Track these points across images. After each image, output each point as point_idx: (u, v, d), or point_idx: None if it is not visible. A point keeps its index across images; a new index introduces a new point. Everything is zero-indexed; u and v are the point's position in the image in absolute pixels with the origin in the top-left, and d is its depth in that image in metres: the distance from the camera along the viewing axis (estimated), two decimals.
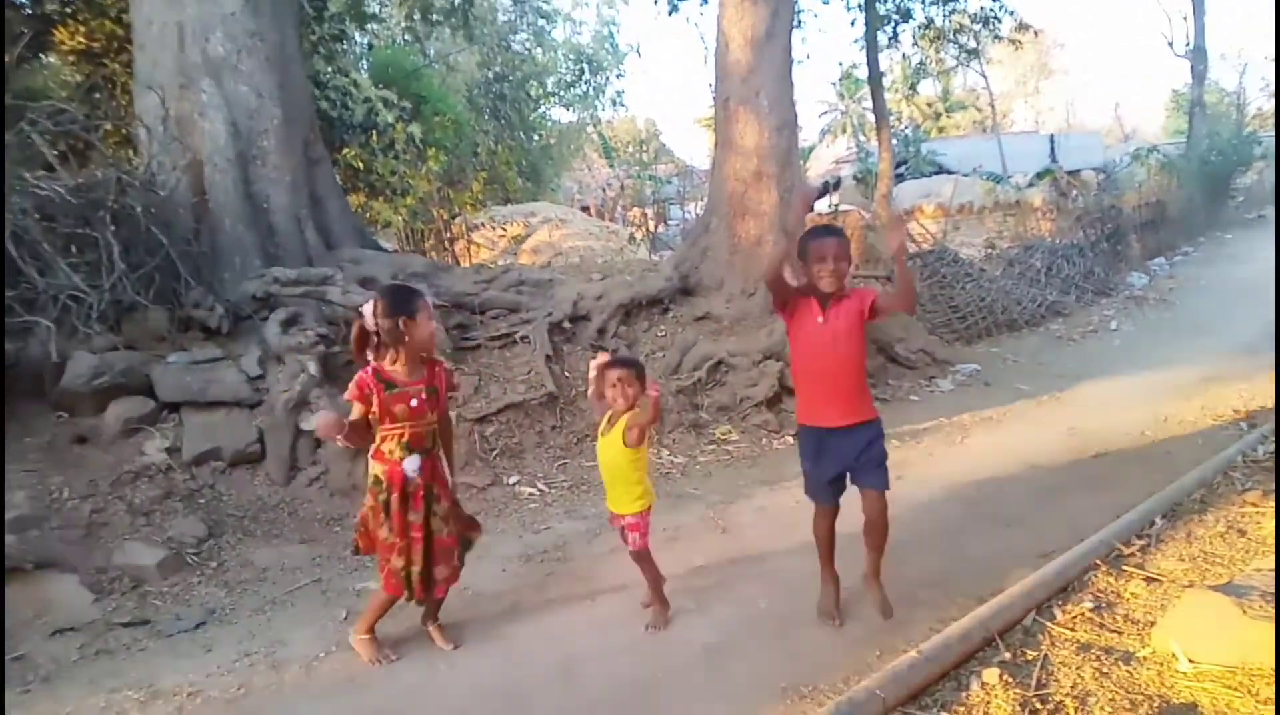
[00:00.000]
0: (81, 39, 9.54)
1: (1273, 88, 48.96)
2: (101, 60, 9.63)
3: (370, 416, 3.33)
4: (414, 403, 3.33)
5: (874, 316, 3.43)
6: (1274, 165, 20.64)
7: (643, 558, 3.69)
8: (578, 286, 8.10)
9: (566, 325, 7.58)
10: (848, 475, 3.60)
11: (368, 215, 12.35)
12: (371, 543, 3.50)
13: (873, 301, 3.41)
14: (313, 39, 11.13)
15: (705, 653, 3.42)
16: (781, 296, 3.49)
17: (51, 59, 10.45)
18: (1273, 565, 3.20)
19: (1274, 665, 2.68)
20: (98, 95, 9.33)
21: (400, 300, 3.35)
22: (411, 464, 3.34)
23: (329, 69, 11.89)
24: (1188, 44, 26.65)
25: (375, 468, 3.38)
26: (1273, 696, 2.56)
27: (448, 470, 3.59)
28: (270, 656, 3.65)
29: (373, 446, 3.41)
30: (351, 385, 3.33)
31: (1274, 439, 5.31)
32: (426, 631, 3.68)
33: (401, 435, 3.33)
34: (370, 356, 3.40)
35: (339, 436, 3.20)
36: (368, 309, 3.35)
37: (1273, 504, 4.25)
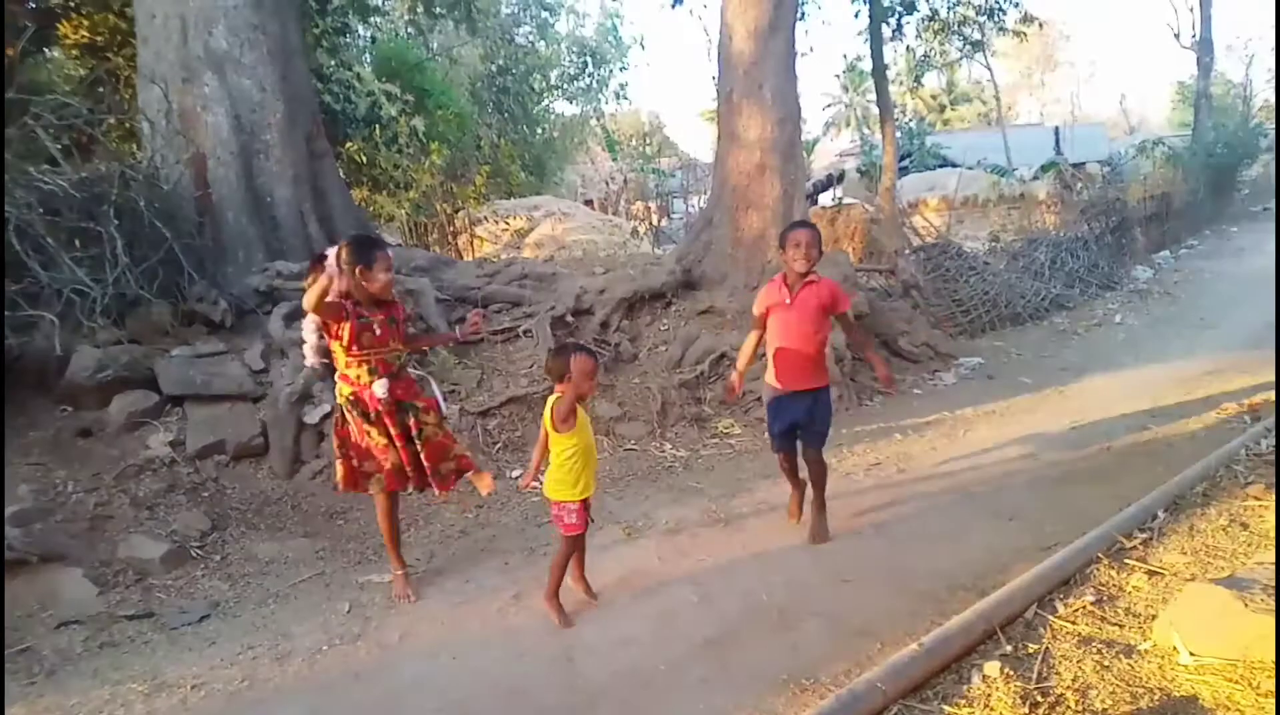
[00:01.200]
0: (85, 33, 9.54)
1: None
2: (105, 54, 9.63)
3: (339, 339, 3.75)
4: (377, 331, 3.78)
5: (837, 312, 4.31)
6: (1275, 160, 20.53)
7: (569, 541, 3.73)
8: (581, 280, 8.11)
9: (569, 319, 7.59)
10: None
11: (371, 209, 12.33)
12: (353, 472, 3.95)
13: (840, 308, 4.29)
14: (315, 32, 11.12)
15: (706, 645, 3.42)
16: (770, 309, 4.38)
17: (55, 53, 10.46)
18: (1274, 559, 3.20)
19: (1275, 658, 2.68)
20: (101, 89, 9.34)
21: (360, 250, 3.72)
22: (380, 387, 3.78)
23: (332, 62, 11.88)
24: (1194, 35, 26.50)
25: (344, 388, 3.85)
26: (1273, 690, 2.56)
27: (437, 391, 4.20)
28: (274, 649, 3.66)
29: (338, 372, 3.88)
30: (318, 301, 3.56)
31: (1275, 433, 5.30)
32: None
33: (368, 361, 3.79)
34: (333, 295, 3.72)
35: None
36: (332, 252, 3.75)
37: (1274, 498, 4.25)
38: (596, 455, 3.79)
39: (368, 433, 3.88)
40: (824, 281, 4.26)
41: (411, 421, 3.93)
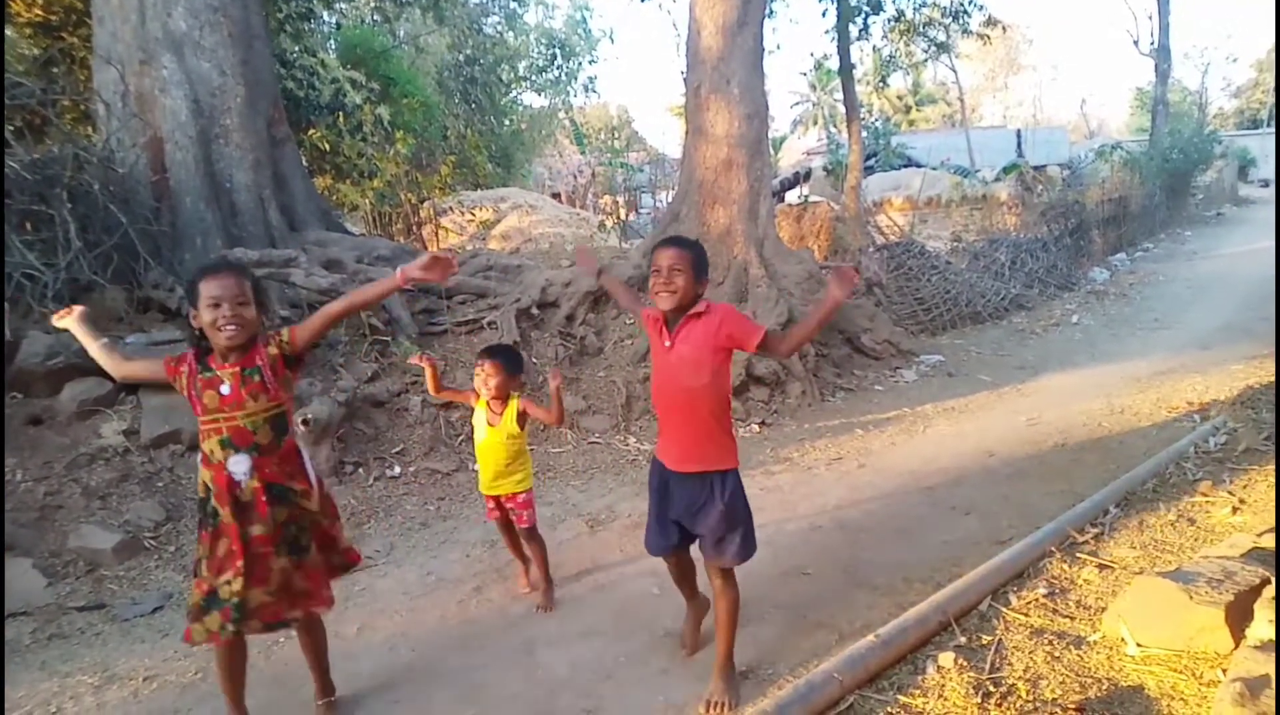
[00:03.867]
0: (39, 11, 9.28)
1: (1233, 88, 49.96)
2: (59, 33, 9.37)
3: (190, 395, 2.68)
4: (224, 390, 2.64)
5: (750, 350, 2.82)
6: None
7: (535, 535, 3.84)
8: (546, 273, 8.08)
9: (535, 311, 7.56)
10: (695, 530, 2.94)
11: (334, 198, 12.17)
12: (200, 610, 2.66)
13: (749, 342, 2.78)
14: (279, 16, 10.94)
15: (666, 637, 3.44)
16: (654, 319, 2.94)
17: (8, 32, 10.16)
18: (1220, 553, 3.29)
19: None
20: (55, 69, 9.10)
21: (190, 282, 2.71)
22: (239, 465, 2.65)
23: (295, 48, 11.69)
24: (1153, 43, 27.10)
25: (204, 475, 2.70)
26: (1215, 679, 2.63)
27: (310, 467, 2.88)
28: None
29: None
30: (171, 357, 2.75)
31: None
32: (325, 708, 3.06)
33: (219, 430, 2.65)
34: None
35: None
36: None
37: (1222, 494, 4.37)
38: (495, 457, 3.75)
39: (214, 541, 2.67)
40: (718, 310, 2.83)
41: (287, 512, 2.74)
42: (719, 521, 2.83)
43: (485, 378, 3.66)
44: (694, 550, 3.08)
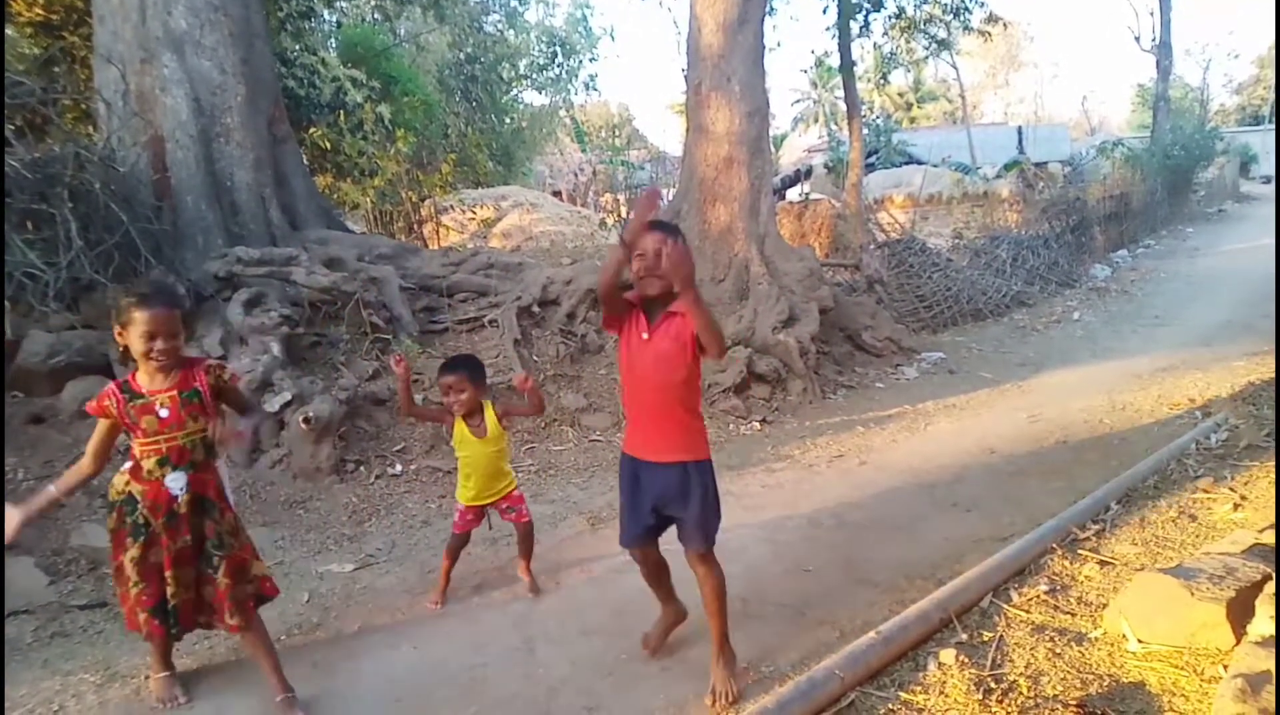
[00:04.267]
0: (39, 10, 9.28)
1: (1235, 84, 49.91)
2: (60, 33, 9.37)
3: (124, 430, 2.89)
4: (163, 412, 2.82)
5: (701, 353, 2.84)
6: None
7: (530, 528, 3.95)
8: (547, 271, 8.08)
9: (535, 309, 7.56)
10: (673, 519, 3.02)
11: (335, 196, 12.18)
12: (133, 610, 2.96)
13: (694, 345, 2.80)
14: (279, 15, 10.93)
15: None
16: (612, 309, 2.94)
17: (8, 31, 10.17)
18: (1222, 549, 3.29)
19: (1223, 644, 2.76)
20: (56, 68, 9.11)
21: (119, 303, 2.87)
22: (175, 482, 2.86)
23: (296, 47, 11.68)
24: (1154, 39, 27.06)
25: (132, 487, 2.87)
26: (1216, 675, 2.63)
27: (228, 486, 3.14)
28: (230, 639, 3.60)
29: (129, 462, 2.92)
30: (93, 402, 2.89)
31: (1228, 427, 5.44)
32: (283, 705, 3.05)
33: (159, 450, 2.84)
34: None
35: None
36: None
37: (1223, 491, 4.37)
38: (488, 468, 3.80)
39: (134, 551, 2.88)
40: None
41: (209, 527, 2.95)
42: (700, 509, 2.91)
43: (455, 396, 3.66)
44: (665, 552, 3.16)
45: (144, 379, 2.86)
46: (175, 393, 2.85)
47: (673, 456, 2.90)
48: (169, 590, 2.91)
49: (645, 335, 2.87)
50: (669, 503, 2.93)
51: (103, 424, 2.88)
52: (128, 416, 2.82)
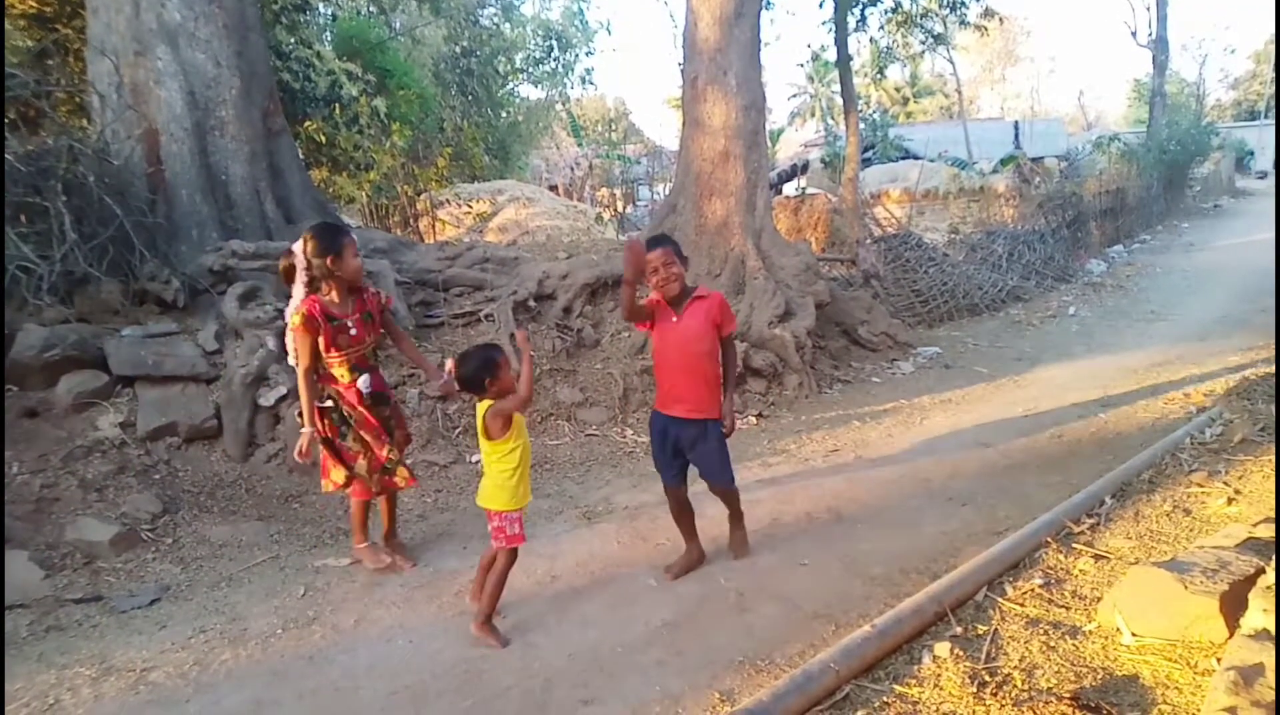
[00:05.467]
0: (33, 2, 9.21)
1: (1231, 79, 49.95)
2: (54, 25, 9.30)
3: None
4: (353, 331, 3.80)
5: (722, 335, 3.77)
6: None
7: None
8: (543, 265, 8.07)
9: (532, 304, 7.55)
10: (692, 464, 3.89)
11: (330, 190, 12.11)
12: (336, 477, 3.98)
13: (723, 323, 3.73)
14: (274, 8, 10.87)
15: (664, 628, 3.45)
16: (639, 318, 3.77)
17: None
18: (1215, 543, 3.30)
19: (1217, 637, 2.77)
20: (50, 61, 9.03)
21: (327, 239, 3.72)
22: (364, 382, 3.85)
23: (291, 40, 11.61)
24: (1150, 34, 27.08)
25: (329, 391, 3.85)
26: (1209, 668, 2.64)
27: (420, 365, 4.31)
28: (226, 633, 3.61)
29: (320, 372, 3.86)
30: (299, 319, 3.67)
31: (1223, 421, 5.45)
32: (391, 547, 4.22)
33: (346, 360, 3.81)
34: (304, 290, 3.81)
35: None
36: (298, 247, 3.77)
37: (1217, 485, 4.38)
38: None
39: (342, 436, 3.92)
40: (714, 295, 3.79)
41: (386, 412, 4.02)
42: (714, 454, 3.81)
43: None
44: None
45: (335, 302, 3.78)
46: (359, 315, 3.83)
47: (694, 414, 3.74)
48: (366, 461, 3.91)
49: (675, 318, 3.71)
50: (689, 447, 3.78)
51: (310, 337, 3.70)
52: (329, 335, 3.71)
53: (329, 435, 3.90)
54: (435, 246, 9.31)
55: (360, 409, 3.87)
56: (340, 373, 3.83)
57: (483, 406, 3.32)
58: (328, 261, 3.70)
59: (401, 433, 4.13)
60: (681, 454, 3.82)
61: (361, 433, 3.91)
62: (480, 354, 3.34)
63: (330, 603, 3.88)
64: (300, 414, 3.88)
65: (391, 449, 3.98)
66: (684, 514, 3.97)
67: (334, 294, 3.80)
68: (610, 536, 4.50)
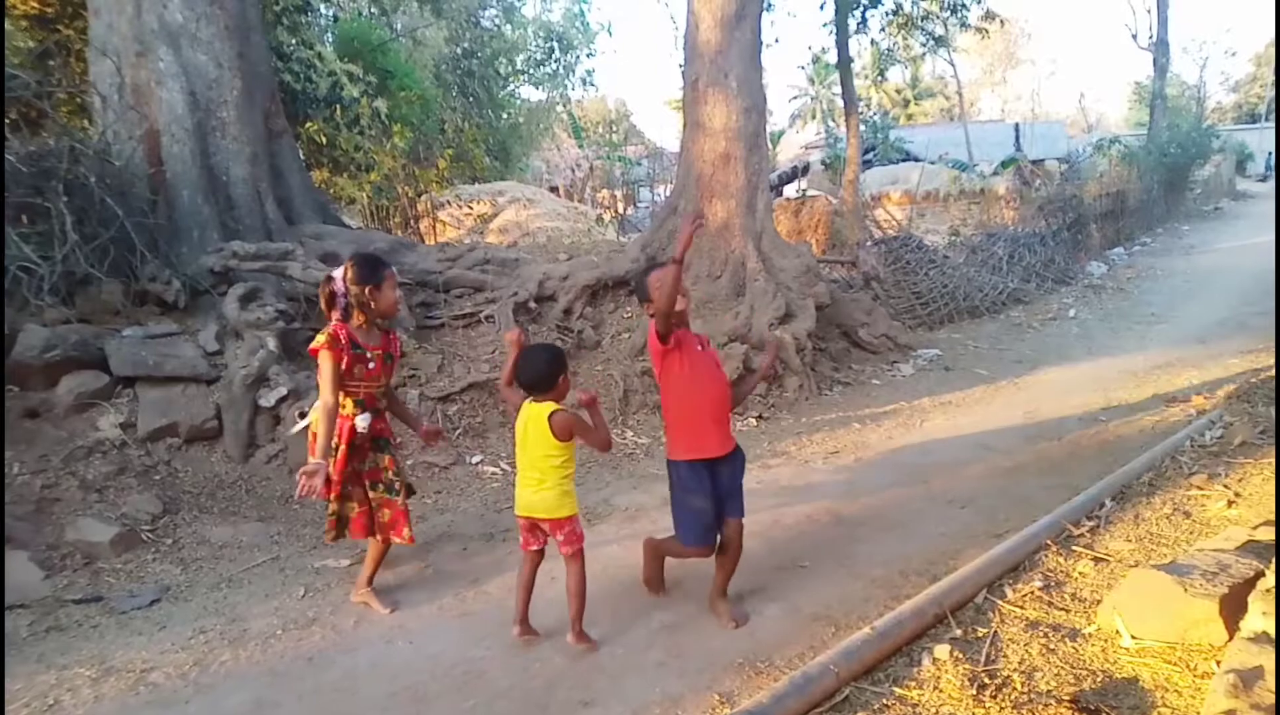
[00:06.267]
0: (34, 3, 9.22)
1: (1231, 82, 49.99)
2: (55, 25, 9.32)
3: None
4: (371, 366, 3.70)
5: None
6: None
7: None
8: (544, 266, 8.08)
9: (532, 305, 7.56)
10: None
11: (331, 191, 12.12)
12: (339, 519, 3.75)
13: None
14: (275, 9, 10.88)
15: (663, 629, 3.45)
16: (677, 323, 3.31)
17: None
18: (1215, 546, 3.30)
19: (1216, 640, 2.77)
20: (51, 62, 9.05)
21: (368, 269, 3.66)
22: (363, 421, 3.66)
23: (292, 41, 11.62)
24: (1151, 37, 27.06)
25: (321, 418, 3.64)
26: (1209, 671, 2.64)
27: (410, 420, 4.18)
28: (226, 633, 3.61)
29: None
30: (325, 338, 3.56)
31: (1223, 424, 5.45)
32: (365, 596, 3.83)
33: (357, 394, 3.67)
34: (336, 316, 3.70)
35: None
36: (339, 273, 3.69)
37: (1217, 488, 4.38)
38: None
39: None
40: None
41: (387, 460, 3.78)
42: (741, 481, 3.49)
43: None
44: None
45: (361, 335, 3.68)
46: (381, 352, 3.74)
47: (732, 444, 3.44)
48: (341, 503, 3.67)
49: (700, 347, 3.42)
50: (728, 487, 3.41)
51: (335, 359, 3.56)
52: (349, 362, 3.60)
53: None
54: (436, 248, 9.32)
55: (342, 446, 3.60)
56: (344, 404, 3.64)
57: (544, 408, 3.22)
58: (366, 291, 3.63)
59: (400, 481, 3.80)
60: (721, 501, 3.38)
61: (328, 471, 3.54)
62: (548, 352, 3.35)
63: (330, 604, 3.88)
64: (310, 432, 3.73)
65: (349, 502, 3.71)
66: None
67: (363, 325, 3.71)
68: (610, 538, 4.51)
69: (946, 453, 5.70)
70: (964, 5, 15.16)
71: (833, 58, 15.62)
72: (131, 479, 4.98)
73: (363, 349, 3.66)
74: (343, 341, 3.59)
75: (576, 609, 3.32)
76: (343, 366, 3.59)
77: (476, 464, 5.85)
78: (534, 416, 3.23)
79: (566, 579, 3.33)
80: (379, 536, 3.76)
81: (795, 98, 48.98)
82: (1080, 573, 3.56)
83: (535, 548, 3.40)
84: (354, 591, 3.87)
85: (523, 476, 3.32)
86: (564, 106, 25.79)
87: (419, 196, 12.96)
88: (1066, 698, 2.60)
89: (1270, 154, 35.99)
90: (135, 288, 6.11)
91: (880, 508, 4.76)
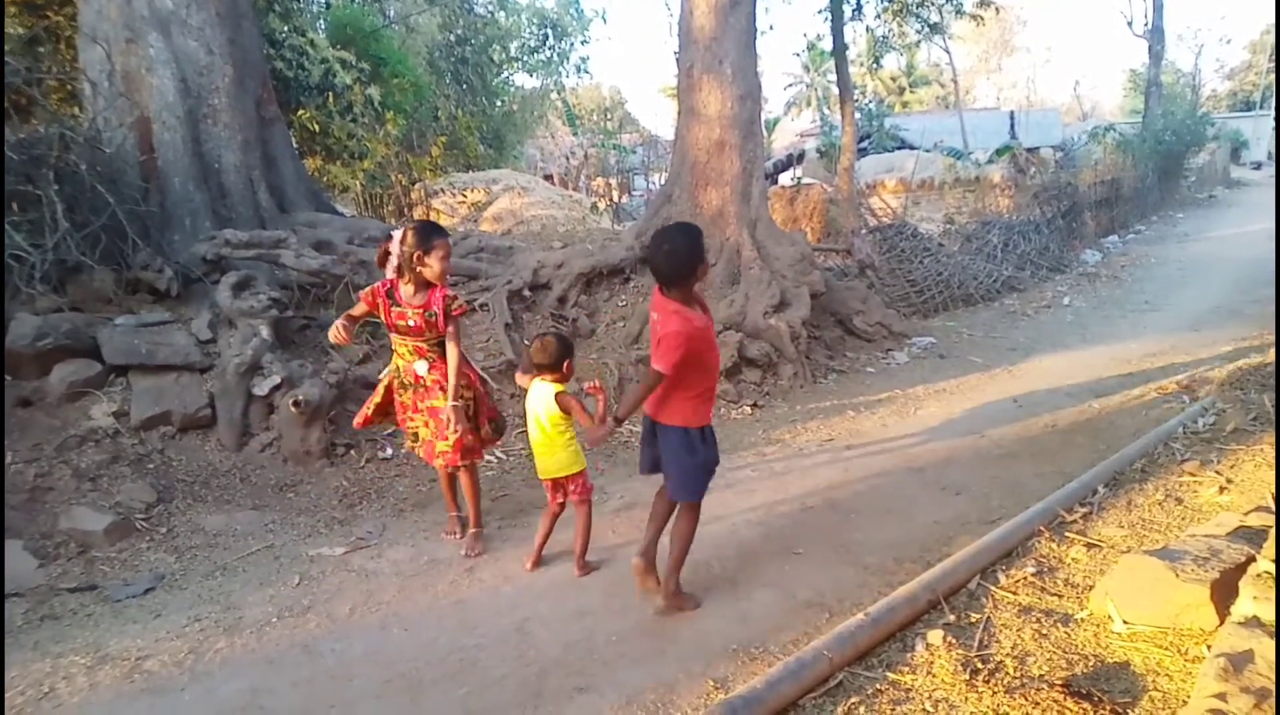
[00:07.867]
0: None
1: (1226, 69, 49.96)
2: (45, 11, 9.24)
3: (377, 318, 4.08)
4: (412, 322, 3.97)
5: None
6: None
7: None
8: (538, 254, 8.05)
9: (526, 293, 7.54)
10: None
11: (324, 179, 12.07)
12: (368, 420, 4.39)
13: None
14: None
15: (658, 616, 3.46)
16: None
17: None
18: (1207, 531, 3.32)
19: (1207, 625, 2.79)
20: (41, 48, 8.97)
21: (422, 236, 3.93)
22: (421, 366, 4.08)
23: (284, 27, 11.54)
24: (1146, 24, 27.02)
25: (397, 361, 4.18)
26: (1200, 655, 2.66)
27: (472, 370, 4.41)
28: (221, 621, 3.62)
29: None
30: (366, 290, 4.05)
31: (1215, 411, 5.48)
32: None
33: (407, 346, 4.07)
34: (391, 273, 4.03)
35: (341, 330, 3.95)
36: (398, 234, 3.98)
37: (1209, 474, 4.40)
38: None
39: (404, 396, 4.23)
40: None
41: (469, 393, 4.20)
42: None
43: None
44: None
45: (408, 290, 3.97)
46: (423, 310, 3.97)
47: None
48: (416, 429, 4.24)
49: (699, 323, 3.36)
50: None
51: (364, 302, 4.04)
52: (389, 314, 3.98)
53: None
54: None
55: (408, 389, 4.18)
56: (402, 351, 4.10)
57: (555, 387, 3.78)
58: (415, 255, 3.90)
59: (489, 415, 4.36)
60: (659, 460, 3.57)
61: (403, 398, 4.24)
62: (562, 339, 3.84)
63: (325, 591, 3.88)
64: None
65: (422, 430, 4.22)
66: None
67: (410, 283, 3.98)
68: (605, 526, 4.51)
69: (940, 440, 5.72)
70: None
71: (828, 45, 15.58)
72: (125, 468, 4.97)
73: (402, 306, 3.96)
74: (379, 293, 3.98)
75: (582, 546, 3.95)
76: (384, 318, 4.01)
77: None
78: (543, 391, 3.80)
79: (575, 520, 3.94)
80: (468, 461, 4.21)
81: (790, 85, 48.86)
82: (1073, 559, 3.58)
83: (560, 501, 3.95)
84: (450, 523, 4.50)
85: (537, 447, 3.87)
86: (558, 94, 25.67)
87: (412, 184, 12.91)
88: (1059, 682, 2.62)
89: (1269, 143, 36.04)
90: (127, 276, 6.08)
91: (874, 495, 4.78)
